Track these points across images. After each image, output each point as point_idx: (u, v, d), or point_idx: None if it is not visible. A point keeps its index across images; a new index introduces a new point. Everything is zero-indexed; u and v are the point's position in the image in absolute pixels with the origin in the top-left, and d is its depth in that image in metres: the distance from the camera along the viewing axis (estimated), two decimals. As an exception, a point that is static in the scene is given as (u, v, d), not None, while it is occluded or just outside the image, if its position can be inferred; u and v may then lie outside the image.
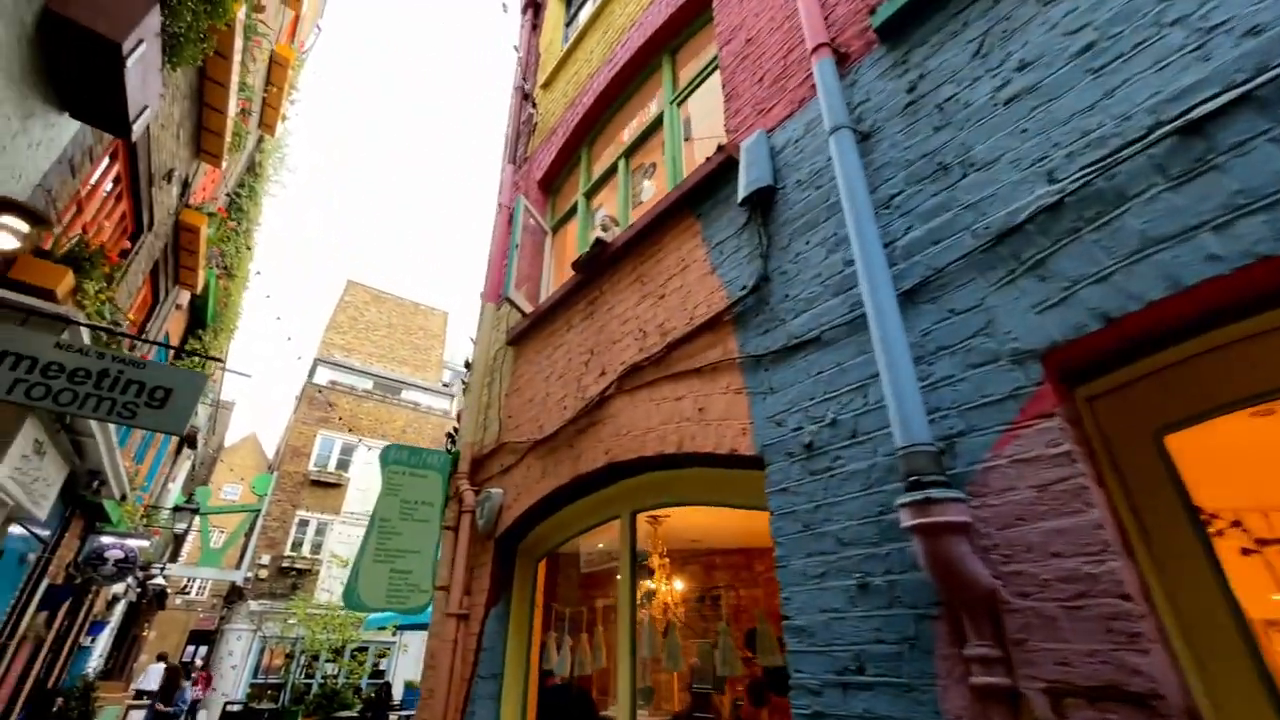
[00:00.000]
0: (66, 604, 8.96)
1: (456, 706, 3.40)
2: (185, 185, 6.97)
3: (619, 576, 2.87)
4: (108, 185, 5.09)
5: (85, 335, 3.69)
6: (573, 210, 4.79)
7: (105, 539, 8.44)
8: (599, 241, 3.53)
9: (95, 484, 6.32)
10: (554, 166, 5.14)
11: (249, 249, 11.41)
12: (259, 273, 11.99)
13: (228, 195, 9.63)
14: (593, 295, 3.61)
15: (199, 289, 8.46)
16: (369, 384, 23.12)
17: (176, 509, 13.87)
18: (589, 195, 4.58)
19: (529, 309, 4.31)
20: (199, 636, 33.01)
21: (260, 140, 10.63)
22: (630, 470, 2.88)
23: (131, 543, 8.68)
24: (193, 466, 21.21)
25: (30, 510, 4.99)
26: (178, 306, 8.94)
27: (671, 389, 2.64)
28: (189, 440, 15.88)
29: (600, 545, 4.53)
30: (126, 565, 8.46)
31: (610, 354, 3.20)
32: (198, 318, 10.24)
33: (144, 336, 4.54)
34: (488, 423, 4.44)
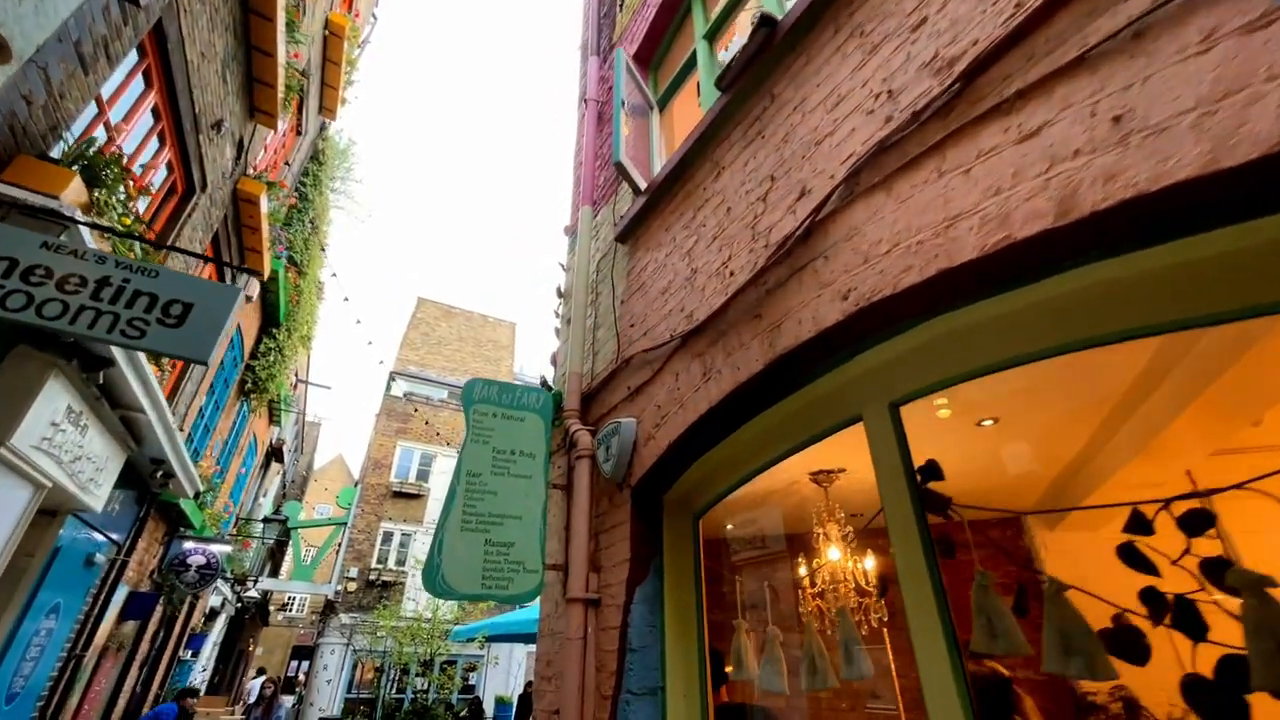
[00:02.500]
0: (157, 614, 8.64)
1: (596, 739, 2.22)
2: (240, 148, 6.39)
3: (894, 526, 1.60)
4: (144, 119, 4.42)
5: (88, 238, 2.85)
6: (687, 67, 3.63)
7: (187, 544, 8.01)
8: (764, 24, 2.32)
9: (160, 474, 5.70)
10: (654, 30, 4.00)
11: (321, 249, 11.08)
12: (335, 274, 11.62)
13: (294, 183, 9.22)
14: (756, 111, 2.40)
15: (266, 274, 7.95)
16: (444, 394, 22.97)
17: (265, 520, 13.76)
18: (711, 37, 3.40)
19: (644, 183, 3.15)
20: (301, 652, 34.18)
21: (322, 128, 10.25)
22: (888, 321, 1.62)
23: (214, 548, 8.21)
24: (283, 484, 21.70)
25: (79, 498, 4.30)
26: (248, 298, 8.52)
27: (994, 138, 1.37)
28: (276, 453, 15.97)
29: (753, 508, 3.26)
30: (209, 571, 7.98)
31: (811, 162, 1.97)
32: (269, 315, 9.89)
33: (162, 242, 3.73)
34: (597, 346, 3.30)
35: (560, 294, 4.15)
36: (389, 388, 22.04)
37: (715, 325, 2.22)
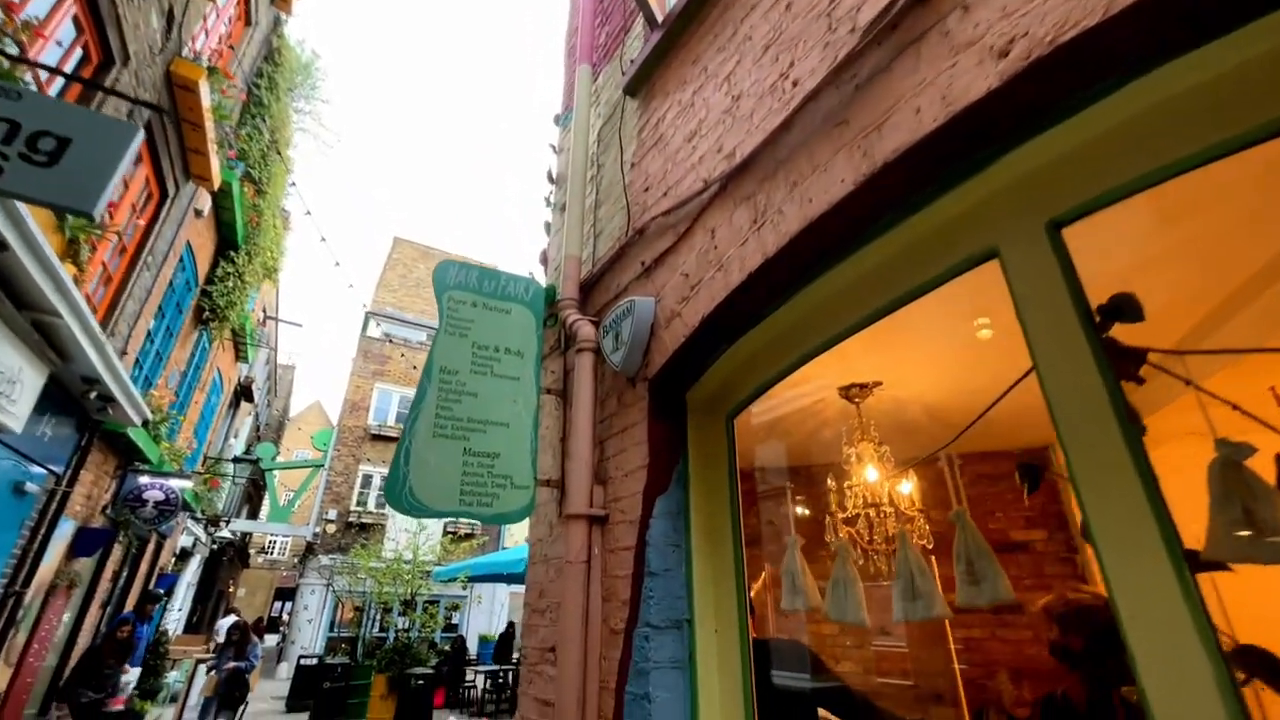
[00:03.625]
0: (117, 552, 8.14)
1: (605, 681, 1.78)
2: (171, 20, 5.44)
3: (1060, 397, 1.10)
4: (33, -50, 3.54)
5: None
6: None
7: (143, 479, 7.43)
8: None
9: (95, 396, 5.06)
10: None
11: (285, 166, 10.07)
12: (309, 212, 10.64)
13: (245, 80, 8.18)
14: None
15: (215, 184, 7.07)
16: (422, 336, 22.17)
17: (236, 460, 13.20)
18: None
19: (662, 14, 2.50)
20: (284, 593, 34.38)
21: (277, 22, 9.09)
22: (1083, 75, 1.07)
23: (174, 484, 7.65)
24: (257, 426, 21.02)
25: (-13, 413, 3.68)
26: (197, 213, 7.64)
27: None
28: (245, 392, 15.23)
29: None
30: (169, 508, 7.45)
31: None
32: (226, 236, 9.00)
33: (28, 58, 2.87)
34: (600, 225, 2.71)
35: (552, 179, 3.50)
36: (365, 328, 21.19)
37: (770, 155, 1.65)
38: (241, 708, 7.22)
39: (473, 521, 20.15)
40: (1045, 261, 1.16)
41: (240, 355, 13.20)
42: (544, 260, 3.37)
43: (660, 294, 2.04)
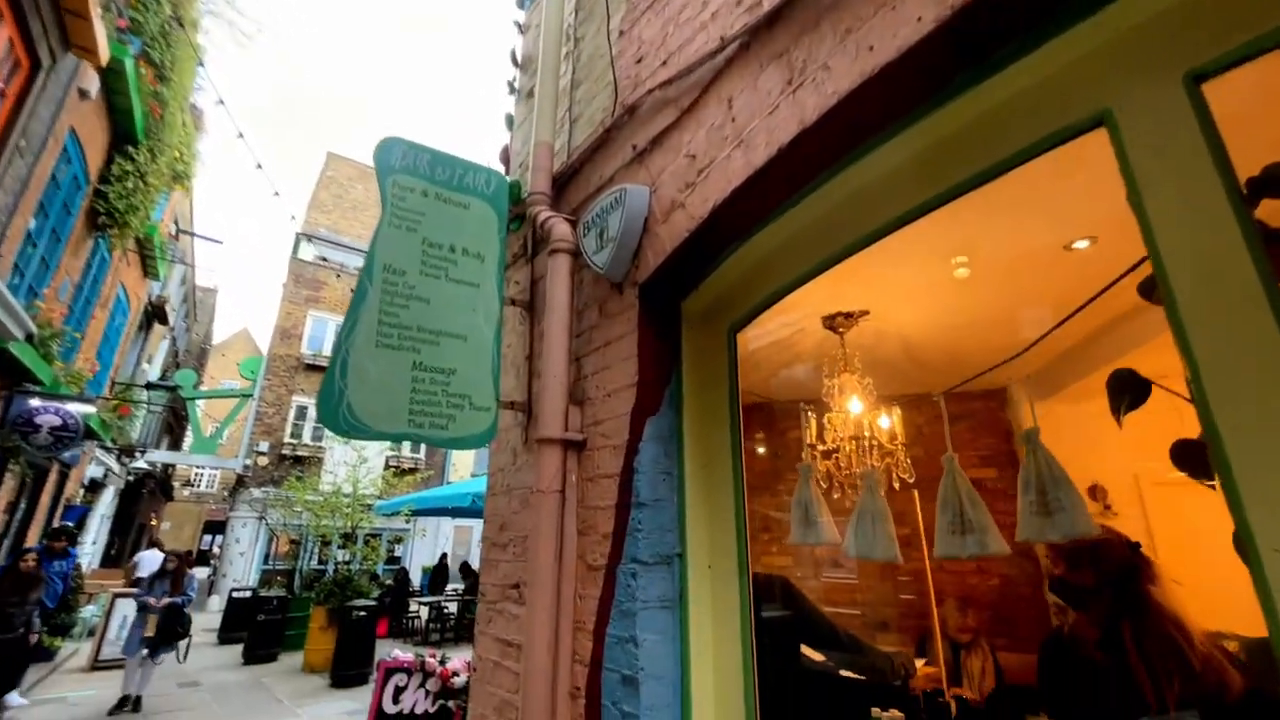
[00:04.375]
0: (10, 482, 7.32)
1: (581, 621, 1.57)
2: None
3: (1187, 292, 0.88)
4: None
5: None
6: None
7: (34, 402, 6.59)
8: None
9: (-43, 301, 4.27)
10: None
11: (188, 45, 8.65)
12: (241, 135, 9.28)
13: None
14: None
15: (103, 59, 5.96)
16: (360, 262, 20.74)
17: (150, 386, 12.10)
18: None
19: None
20: (214, 527, 33.18)
21: None
22: None
23: (72, 408, 6.84)
24: (175, 351, 19.40)
25: None
26: (83, 94, 6.47)
27: None
28: (158, 313, 13.85)
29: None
30: (67, 434, 6.68)
31: None
32: (122, 127, 7.76)
33: None
34: (577, 109, 2.30)
35: (517, 63, 3.00)
36: (296, 250, 19.59)
37: (810, 1, 1.32)
38: (185, 642, 6.71)
39: (416, 456, 19.73)
40: (1179, 124, 0.92)
41: (149, 271, 11.85)
42: (505, 158, 2.93)
43: (656, 183, 1.71)
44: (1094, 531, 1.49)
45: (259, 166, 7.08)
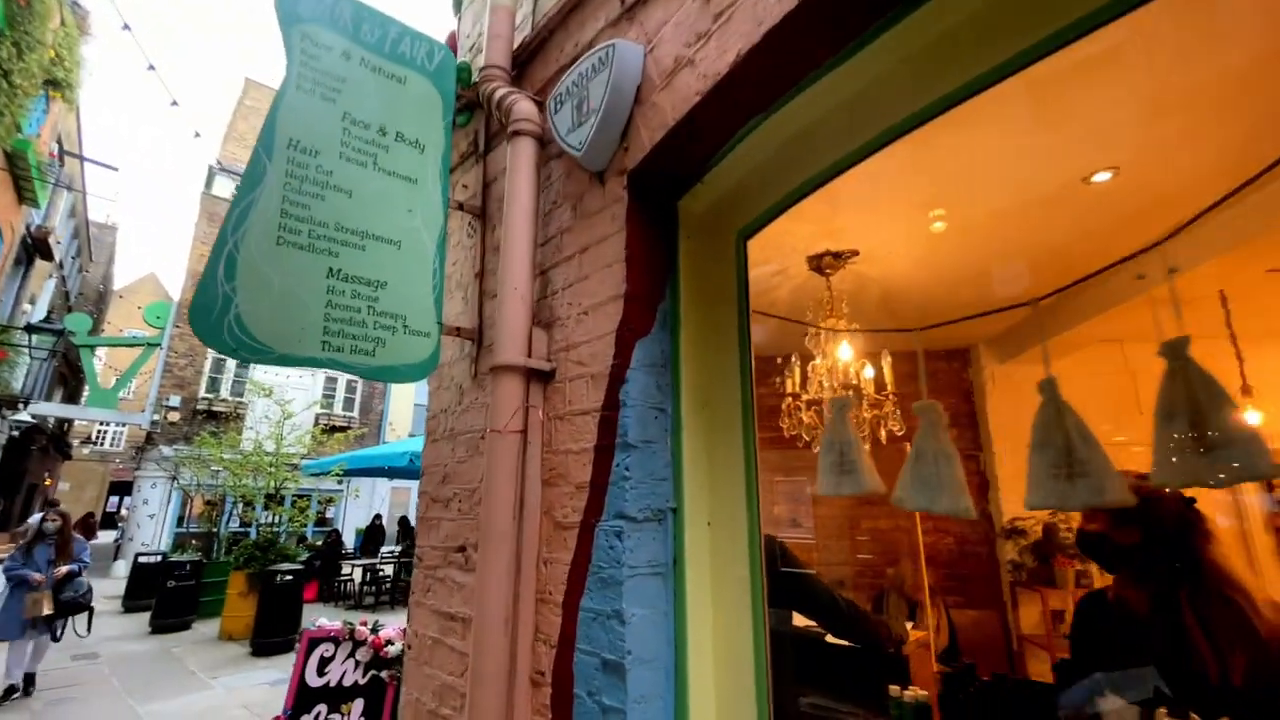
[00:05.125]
0: None
1: (545, 592, 1.25)
2: None
3: None
4: None
5: None
6: None
7: None
8: None
9: None
10: None
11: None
12: (153, 67, 7.84)
13: None
14: None
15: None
16: (286, 203, 18.97)
17: (31, 329, 10.64)
18: None
19: None
20: (121, 488, 30.74)
21: None
22: None
23: (-78, 347, 5.79)
24: (66, 294, 17.28)
25: None
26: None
27: None
28: (40, 246, 12.12)
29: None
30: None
31: None
32: (-24, 11, 6.43)
33: None
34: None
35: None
36: (210, 184, 17.69)
37: None
38: (87, 615, 5.73)
39: (350, 414, 18.69)
40: None
41: (25, 196, 10.26)
42: (452, 44, 2.42)
43: (653, 41, 1.32)
44: (1130, 501, 1.29)
45: (151, 68, 5.95)
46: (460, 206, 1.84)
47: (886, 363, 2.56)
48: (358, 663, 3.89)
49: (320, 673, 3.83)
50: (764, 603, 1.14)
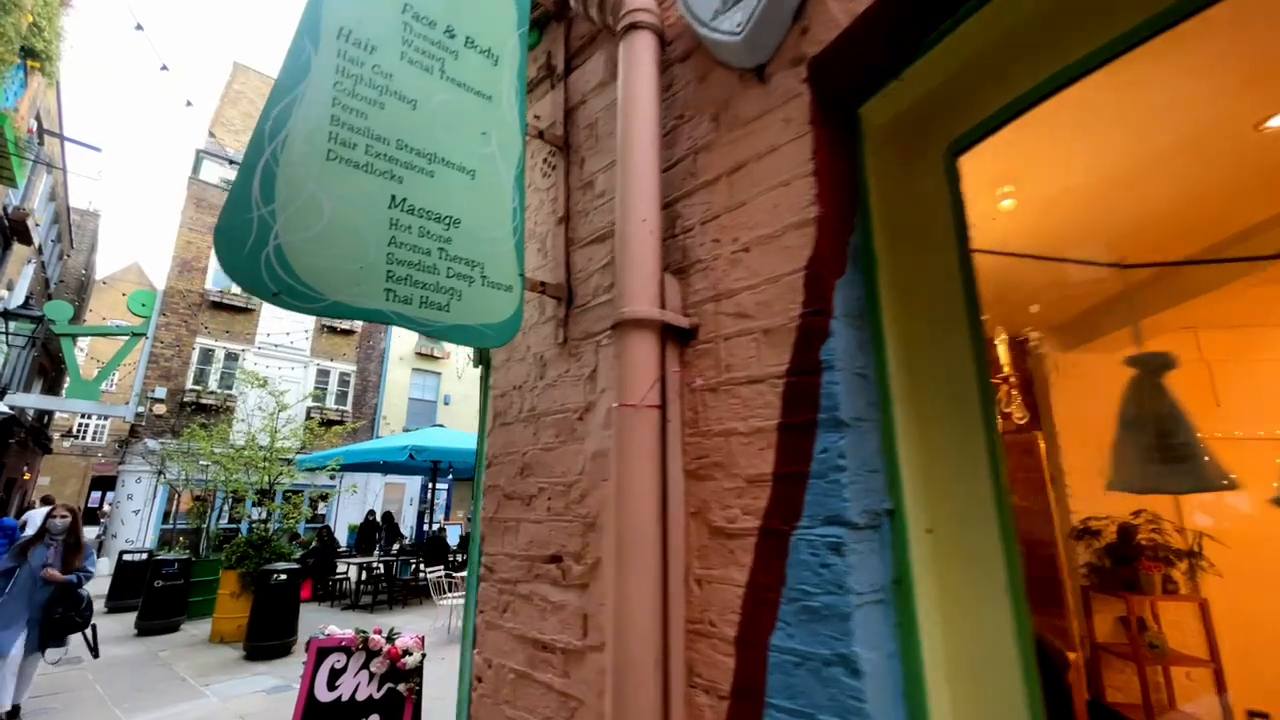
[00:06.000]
0: None
1: (703, 622, 0.91)
2: None
3: None
4: None
5: None
6: None
7: None
8: None
9: None
10: None
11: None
12: (141, 27, 7.33)
13: None
14: None
15: None
16: (277, 190, 18.39)
17: (8, 315, 10.09)
18: None
19: None
20: (104, 483, 29.99)
21: None
22: None
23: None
24: (46, 280, 16.62)
25: None
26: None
27: None
28: (17, 228, 11.54)
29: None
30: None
31: None
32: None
33: None
34: None
35: None
36: (198, 169, 17.09)
37: None
38: (89, 633, 4.64)
39: (343, 408, 18.28)
40: None
41: (2, 174, 9.70)
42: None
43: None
44: (1232, 485, 0.98)
45: (139, 28, 5.50)
46: (540, 135, 1.49)
47: (1001, 340, 2.25)
48: (372, 675, 3.54)
49: (331, 686, 3.47)
50: (1032, 647, 0.81)
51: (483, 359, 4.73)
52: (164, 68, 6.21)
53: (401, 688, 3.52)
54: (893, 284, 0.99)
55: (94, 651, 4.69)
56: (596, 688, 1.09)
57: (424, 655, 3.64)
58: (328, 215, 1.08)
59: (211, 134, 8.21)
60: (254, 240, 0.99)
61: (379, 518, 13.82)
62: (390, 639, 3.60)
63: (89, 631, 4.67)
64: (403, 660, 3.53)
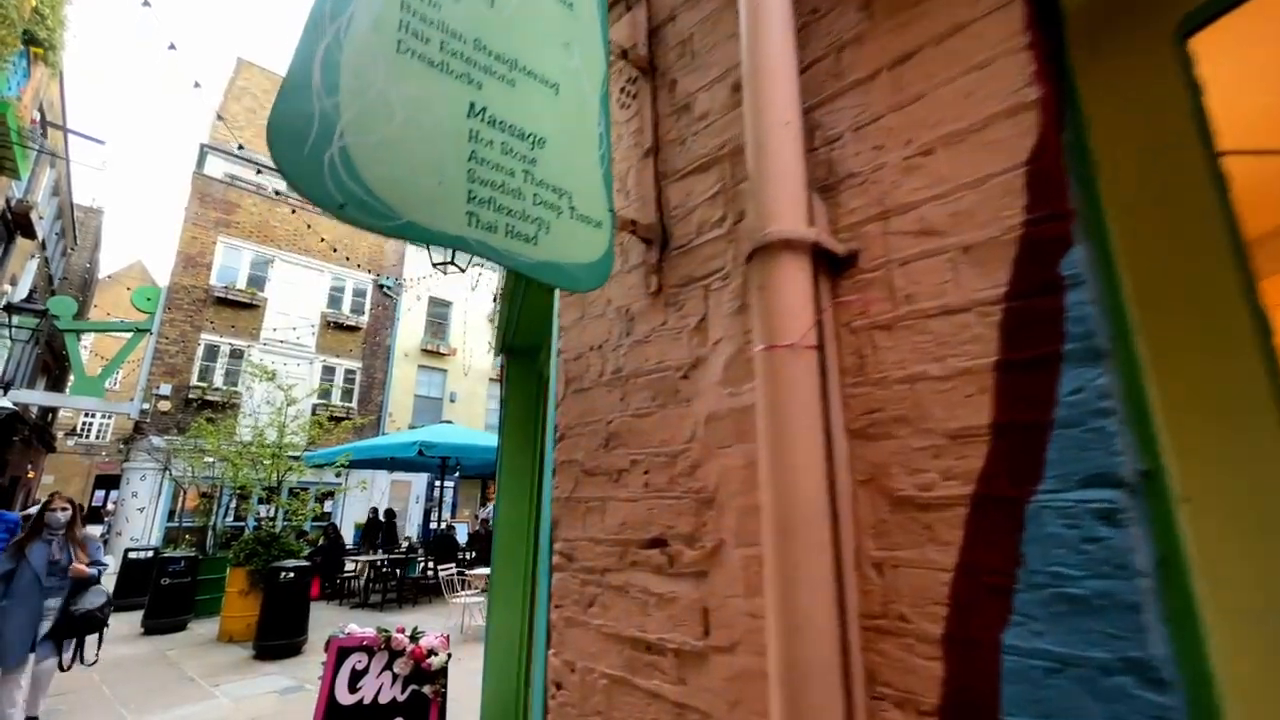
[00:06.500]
0: None
1: (879, 617, 0.70)
2: None
3: None
4: None
5: None
6: None
7: None
8: None
9: None
10: None
11: None
12: (148, 3, 7.08)
13: None
14: None
15: None
16: (281, 185, 18.19)
17: (10, 308, 9.93)
18: None
19: None
20: (107, 482, 29.90)
21: None
22: None
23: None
24: (49, 276, 16.47)
25: None
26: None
27: None
28: (20, 222, 11.38)
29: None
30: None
31: None
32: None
33: None
34: None
35: None
36: (201, 164, 16.94)
37: None
38: (98, 635, 4.25)
39: (349, 405, 18.15)
40: None
41: (5, 166, 9.53)
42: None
43: None
44: None
45: (146, 3, 5.29)
46: (624, 55, 1.29)
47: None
48: (395, 676, 3.35)
49: (352, 688, 3.27)
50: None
51: (506, 346, 4.51)
52: (171, 46, 6.01)
53: (427, 690, 3.33)
54: (1117, 187, 0.79)
55: (95, 654, 4.35)
56: (727, 697, 0.89)
57: (450, 655, 3.45)
58: (400, 118, 0.87)
59: (220, 116, 7.95)
60: (316, 136, 0.79)
61: (380, 515, 13.63)
62: (414, 638, 3.40)
63: (100, 632, 4.34)
64: (428, 661, 3.34)
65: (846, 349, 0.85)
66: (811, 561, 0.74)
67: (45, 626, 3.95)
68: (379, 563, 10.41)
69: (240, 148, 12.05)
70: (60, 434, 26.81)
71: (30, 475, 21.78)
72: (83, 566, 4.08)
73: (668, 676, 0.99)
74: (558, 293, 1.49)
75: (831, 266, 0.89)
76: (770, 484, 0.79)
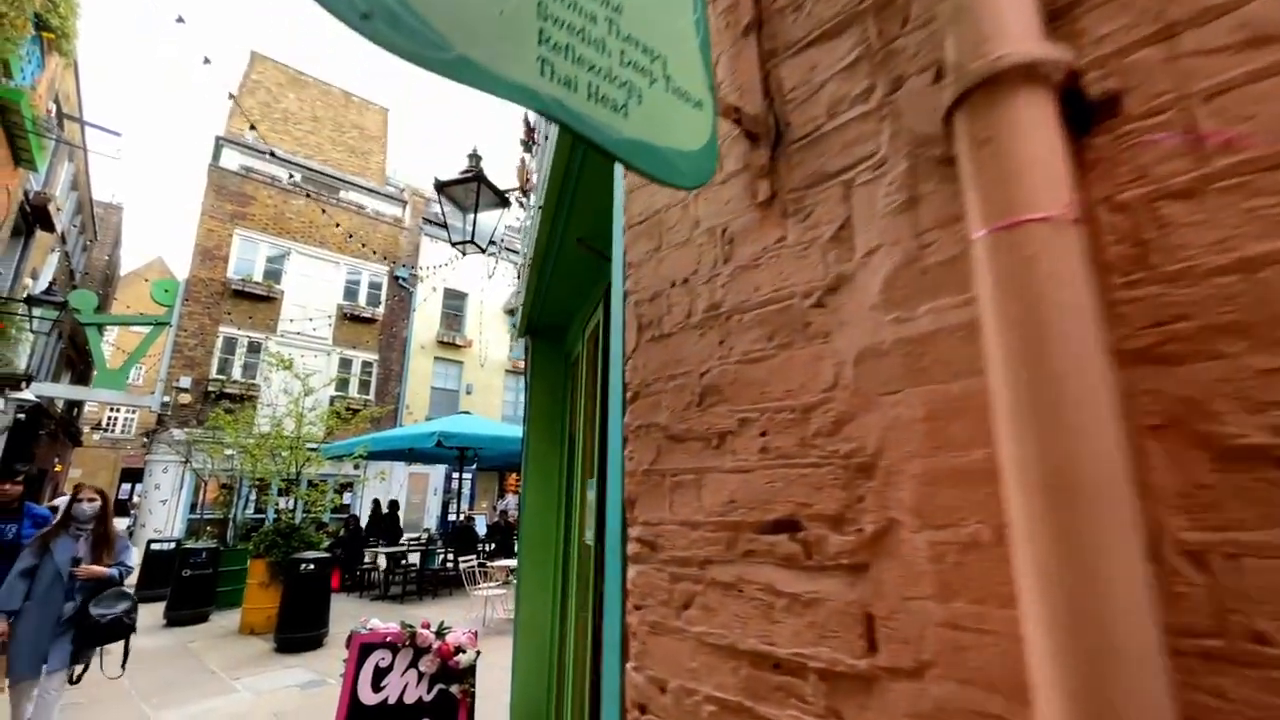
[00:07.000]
0: None
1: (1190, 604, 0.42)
2: None
3: None
4: None
5: None
6: None
7: None
8: None
9: None
10: None
11: None
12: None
13: None
14: None
15: None
16: (297, 177, 18.13)
17: (31, 301, 9.90)
18: None
19: None
20: (132, 475, 30.41)
21: None
22: None
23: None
24: (70, 270, 16.58)
25: None
26: None
27: None
28: (39, 215, 11.36)
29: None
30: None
31: None
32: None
33: None
34: None
35: None
36: (217, 156, 16.91)
37: None
38: (124, 644, 3.85)
39: (366, 397, 18.15)
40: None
41: (21, 157, 9.47)
42: None
43: None
44: None
45: (180, 19, 5.11)
46: (715, -97, 1.01)
47: None
48: (421, 674, 3.13)
49: (376, 687, 3.06)
50: None
51: (530, 327, 4.24)
52: (180, 19, 5.82)
53: (455, 689, 3.11)
54: None
55: (120, 667, 3.91)
56: (914, 742, 0.62)
57: (478, 653, 3.23)
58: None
59: (231, 95, 7.77)
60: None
61: (384, 507, 13.57)
62: (440, 634, 3.19)
63: (124, 643, 3.88)
64: (455, 659, 3.12)
65: (1111, 234, 0.57)
66: (1113, 550, 0.46)
67: (62, 631, 3.54)
68: (401, 555, 10.30)
69: (252, 127, 11.93)
70: (86, 428, 27.27)
71: (58, 469, 22.14)
72: (95, 567, 3.70)
73: (811, 707, 0.72)
74: (618, 222, 1.22)
75: (1075, 121, 0.60)
76: (1018, 435, 0.51)
